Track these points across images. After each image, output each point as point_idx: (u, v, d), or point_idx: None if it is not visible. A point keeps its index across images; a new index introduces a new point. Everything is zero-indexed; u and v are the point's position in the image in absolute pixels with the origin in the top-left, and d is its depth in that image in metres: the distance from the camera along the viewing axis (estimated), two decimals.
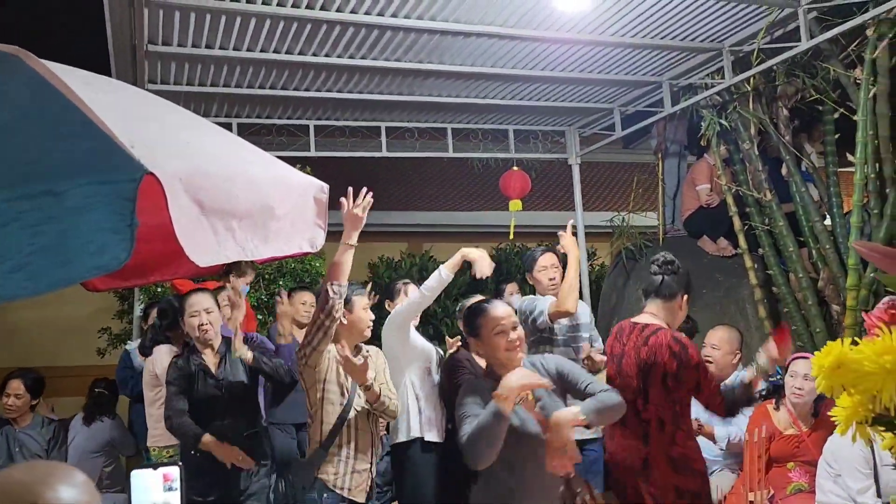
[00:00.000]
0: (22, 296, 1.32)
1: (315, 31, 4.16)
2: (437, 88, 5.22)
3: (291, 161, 2.38)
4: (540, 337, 3.46)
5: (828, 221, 5.00)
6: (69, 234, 1.27)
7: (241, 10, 3.80)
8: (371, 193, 2.61)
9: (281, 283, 5.93)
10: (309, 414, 2.79)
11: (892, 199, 4.43)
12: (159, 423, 4.04)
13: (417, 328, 3.44)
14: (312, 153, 5.61)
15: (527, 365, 2.38)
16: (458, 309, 3.89)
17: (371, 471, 2.79)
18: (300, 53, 4.44)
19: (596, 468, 3.48)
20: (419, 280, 3.55)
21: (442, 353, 3.56)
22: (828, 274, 4.80)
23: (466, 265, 3.30)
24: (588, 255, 6.90)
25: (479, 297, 3.61)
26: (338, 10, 3.93)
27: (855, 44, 4.46)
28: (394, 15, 4.02)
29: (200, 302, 3.22)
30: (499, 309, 2.37)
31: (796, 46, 4.21)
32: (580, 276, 5.63)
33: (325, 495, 2.65)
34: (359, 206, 2.59)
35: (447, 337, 3.86)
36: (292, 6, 3.85)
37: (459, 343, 3.57)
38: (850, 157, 4.51)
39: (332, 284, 2.60)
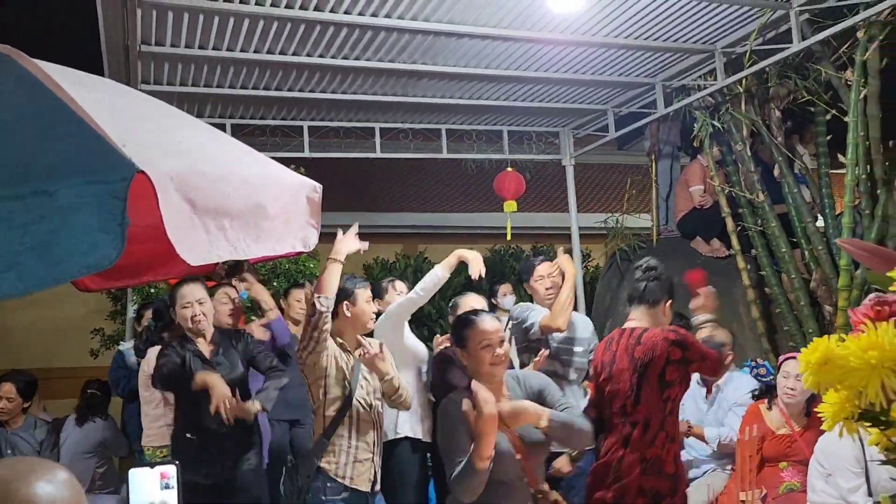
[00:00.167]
0: (13, 295, 1.32)
1: (309, 31, 4.16)
2: (431, 89, 5.23)
3: (285, 162, 2.40)
4: (529, 345, 3.47)
5: (820, 222, 5.02)
6: (60, 234, 1.27)
7: (234, 10, 3.80)
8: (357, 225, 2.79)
9: (276, 283, 5.93)
10: (312, 409, 2.84)
11: (882, 201, 4.46)
12: (154, 423, 4.05)
13: (412, 329, 3.46)
14: (306, 154, 5.61)
15: (509, 380, 2.43)
16: (450, 306, 3.91)
17: (374, 461, 2.82)
18: (294, 54, 4.44)
19: (580, 483, 3.49)
20: (413, 282, 3.56)
21: (430, 351, 3.60)
22: (820, 275, 4.83)
23: (463, 266, 3.33)
24: (582, 256, 6.91)
25: (472, 295, 3.64)
26: (331, 11, 3.94)
27: (846, 46, 4.49)
28: (387, 16, 4.02)
29: (192, 293, 3.22)
30: (487, 323, 2.39)
31: (788, 48, 4.24)
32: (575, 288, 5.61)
33: (328, 484, 2.70)
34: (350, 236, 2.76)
35: (437, 336, 3.89)
36: (286, 7, 3.85)
37: (448, 344, 3.59)
38: (841, 159, 4.54)
39: (318, 297, 2.67)
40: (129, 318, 5.82)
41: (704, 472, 3.80)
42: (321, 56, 4.49)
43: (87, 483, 4.44)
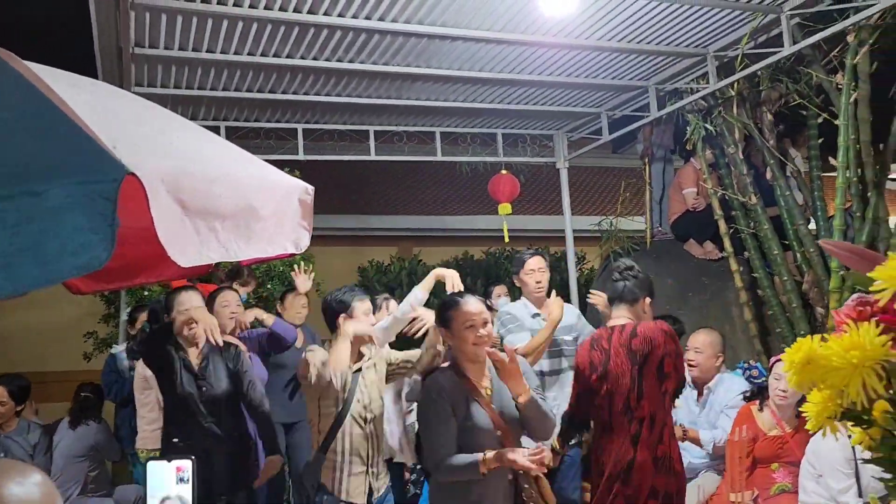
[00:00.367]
0: (3, 296, 1.32)
1: (303, 34, 4.17)
2: (425, 92, 5.24)
3: (280, 164, 2.40)
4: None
5: (812, 225, 5.05)
6: (49, 235, 1.27)
7: (227, 13, 3.80)
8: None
9: (269, 286, 5.93)
10: (311, 422, 2.90)
11: (873, 203, 4.49)
12: (149, 426, 4.05)
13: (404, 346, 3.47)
14: (301, 156, 5.62)
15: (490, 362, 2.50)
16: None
17: (369, 473, 2.84)
18: (288, 57, 4.44)
19: (572, 473, 3.51)
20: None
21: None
22: (812, 277, 4.85)
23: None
24: (577, 258, 6.93)
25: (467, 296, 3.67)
26: (325, 14, 3.94)
27: (837, 49, 4.53)
28: (381, 18, 4.03)
29: (190, 300, 3.21)
30: (471, 304, 2.45)
31: (779, 52, 4.26)
32: (568, 283, 5.67)
33: (325, 498, 2.75)
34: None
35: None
36: (279, 10, 3.86)
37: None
38: (832, 162, 4.57)
39: (335, 374, 2.78)
40: (122, 322, 5.81)
41: (697, 474, 3.81)
42: (315, 59, 4.50)
43: (80, 486, 4.43)
